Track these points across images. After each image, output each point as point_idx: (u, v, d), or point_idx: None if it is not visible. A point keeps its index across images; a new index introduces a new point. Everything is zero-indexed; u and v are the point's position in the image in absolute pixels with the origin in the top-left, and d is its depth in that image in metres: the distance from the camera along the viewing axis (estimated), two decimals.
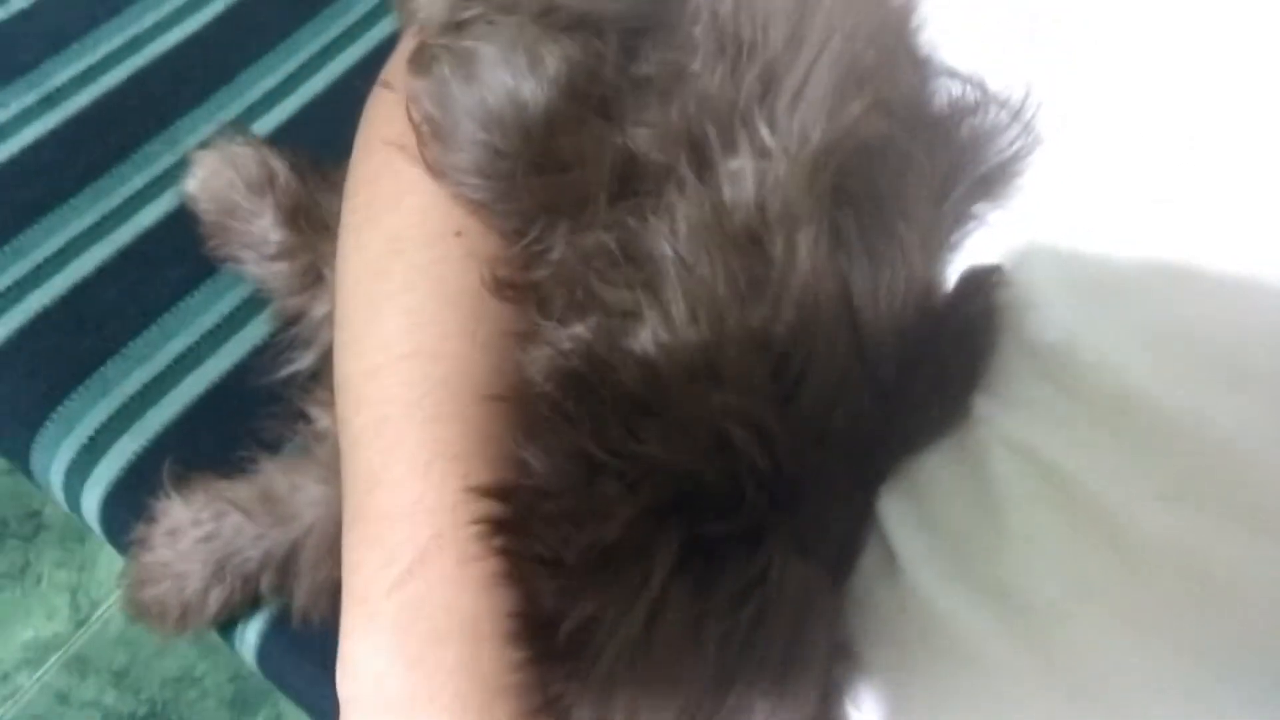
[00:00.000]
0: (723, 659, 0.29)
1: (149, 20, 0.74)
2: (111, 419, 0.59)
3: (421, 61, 0.41)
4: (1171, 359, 0.30)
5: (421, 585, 0.35)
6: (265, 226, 0.57)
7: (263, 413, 0.54)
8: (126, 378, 0.60)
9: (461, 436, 0.36)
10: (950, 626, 0.30)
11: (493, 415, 0.36)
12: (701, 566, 0.30)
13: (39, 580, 1.08)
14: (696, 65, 0.37)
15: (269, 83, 0.72)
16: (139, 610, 0.52)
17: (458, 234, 0.40)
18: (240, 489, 0.50)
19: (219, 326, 0.62)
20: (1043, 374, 0.32)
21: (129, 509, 0.55)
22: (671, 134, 0.36)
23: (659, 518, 0.30)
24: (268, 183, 0.58)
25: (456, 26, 0.41)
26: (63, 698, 1.02)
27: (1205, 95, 0.33)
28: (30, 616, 1.05)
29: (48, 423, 0.60)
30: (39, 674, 1.03)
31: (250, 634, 0.55)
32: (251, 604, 0.53)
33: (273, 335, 0.60)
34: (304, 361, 0.55)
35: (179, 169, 0.64)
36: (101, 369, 0.61)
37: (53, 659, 1.04)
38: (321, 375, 0.53)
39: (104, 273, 0.64)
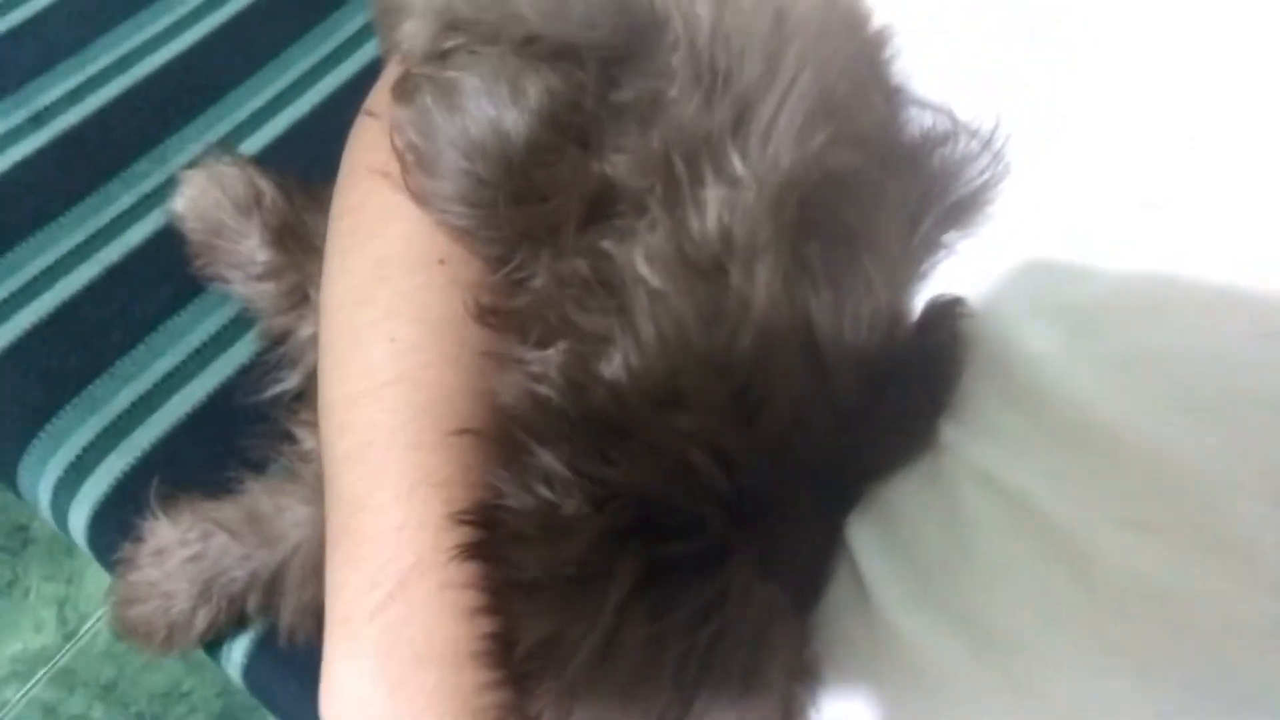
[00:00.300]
0: (682, 678, 0.30)
1: (137, 40, 0.75)
2: (99, 437, 0.60)
3: (405, 90, 0.41)
4: (1136, 387, 0.30)
5: (403, 609, 0.35)
6: (252, 246, 0.58)
7: (249, 432, 0.54)
8: (114, 396, 0.61)
9: (444, 463, 0.37)
10: (916, 653, 0.31)
11: (475, 442, 0.37)
12: (662, 587, 0.30)
13: (27, 593, 1.08)
14: (674, 93, 0.37)
15: (256, 102, 0.73)
16: (126, 629, 0.53)
17: (441, 261, 0.40)
18: (226, 509, 0.50)
19: (206, 345, 0.62)
20: (1010, 402, 0.32)
21: (116, 527, 0.55)
22: (648, 161, 0.36)
23: (621, 538, 0.31)
24: (255, 202, 0.58)
25: (440, 56, 0.41)
26: (50, 711, 1.01)
27: (1206, 95, 0.33)
28: (18, 630, 1.05)
29: (35, 440, 0.60)
30: (26, 687, 1.02)
31: (237, 653, 0.55)
32: (238, 623, 0.54)
33: (259, 355, 0.60)
34: (290, 381, 0.55)
35: (167, 188, 0.65)
36: (89, 387, 0.61)
37: (40, 672, 1.03)
38: (307, 396, 0.53)
39: (92, 291, 0.64)
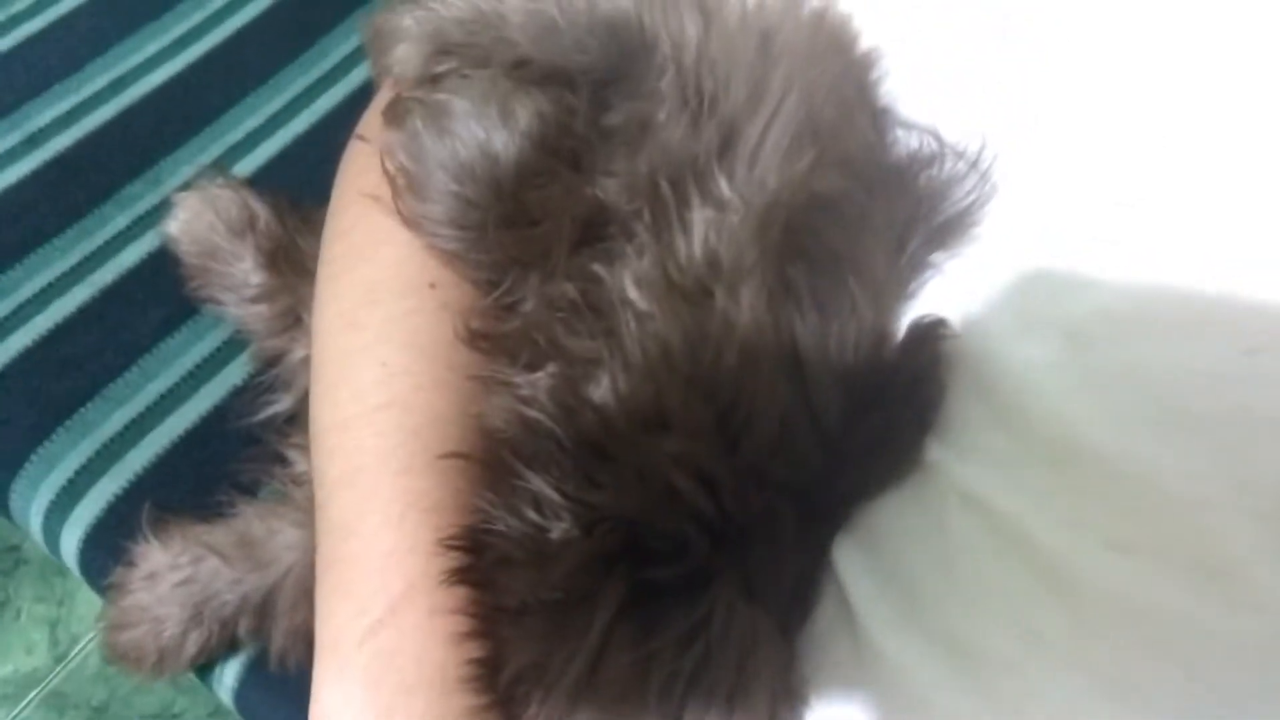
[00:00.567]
0: (667, 702, 0.30)
1: (131, 62, 0.75)
2: (91, 460, 0.59)
3: (396, 114, 0.41)
4: (1120, 406, 0.30)
5: (393, 635, 0.35)
6: (246, 269, 0.58)
7: (241, 455, 0.54)
8: (107, 419, 0.61)
9: (434, 488, 0.37)
10: (901, 674, 0.31)
11: (465, 466, 0.37)
12: (647, 611, 0.30)
13: (18, 615, 1.07)
14: (662, 116, 0.38)
15: (250, 124, 0.73)
16: (117, 654, 0.52)
17: (432, 285, 0.41)
18: (218, 534, 0.50)
19: (199, 368, 0.62)
20: (996, 422, 0.32)
21: (108, 551, 0.55)
22: (636, 185, 0.36)
23: (607, 562, 0.31)
24: (248, 225, 0.58)
25: (431, 80, 0.42)
26: None
27: (1179, 93, 0.33)
28: (9, 651, 1.05)
29: (28, 464, 0.60)
30: (17, 711, 1.02)
31: (228, 676, 0.55)
32: (229, 647, 0.53)
33: (252, 377, 0.60)
34: (283, 404, 0.55)
35: (161, 210, 0.65)
36: (82, 410, 0.61)
37: (31, 695, 1.03)
38: (299, 418, 0.53)
39: (85, 313, 0.64)
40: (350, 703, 0.35)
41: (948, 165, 0.37)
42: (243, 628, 0.51)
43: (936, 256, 0.36)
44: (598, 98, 0.39)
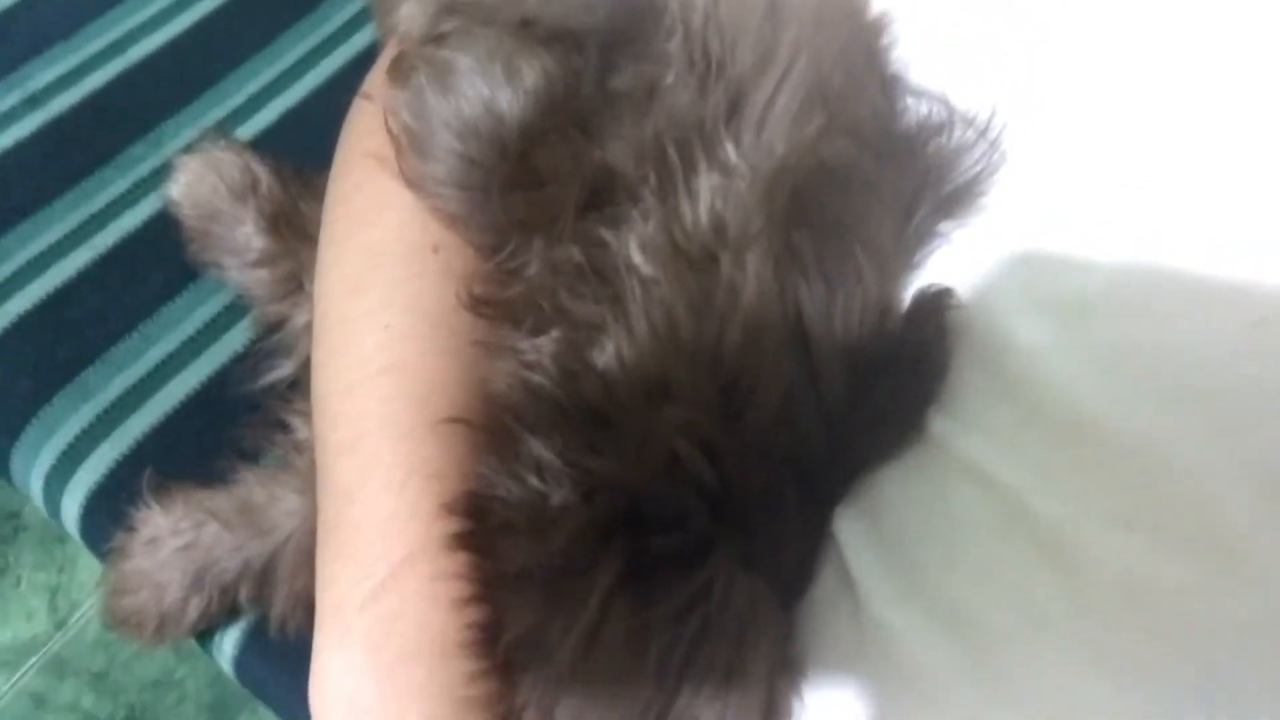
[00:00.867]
0: (665, 671, 0.29)
1: (133, 23, 0.74)
2: (92, 425, 0.59)
3: (400, 72, 0.41)
4: (1125, 380, 0.30)
5: (395, 600, 0.35)
6: (247, 233, 0.57)
7: (243, 421, 0.54)
8: (107, 384, 0.60)
9: (436, 454, 0.36)
10: (900, 647, 0.30)
11: (467, 432, 0.36)
12: (647, 580, 0.30)
13: (18, 582, 1.07)
14: (670, 80, 0.37)
15: (253, 87, 0.72)
16: (117, 619, 0.52)
17: (435, 249, 0.40)
18: (219, 499, 0.50)
19: (200, 333, 0.62)
20: (1002, 396, 0.32)
21: (109, 516, 0.55)
22: (643, 149, 0.36)
23: (607, 531, 0.31)
24: (250, 188, 0.58)
25: (437, 39, 0.41)
26: (40, 700, 1.01)
27: (1184, 74, 0.33)
28: (8, 618, 1.05)
29: (28, 428, 0.60)
30: (16, 677, 1.02)
31: (228, 643, 0.55)
32: (230, 613, 0.53)
33: (253, 343, 0.60)
34: (284, 370, 0.55)
35: (162, 173, 0.64)
36: (82, 375, 0.61)
37: (31, 661, 1.03)
38: (301, 384, 0.53)
39: (85, 278, 0.64)
40: (351, 667, 0.35)
41: (957, 133, 0.37)
42: (243, 594, 0.51)
43: (944, 226, 0.36)
44: (605, 59, 0.39)
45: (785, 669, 0.31)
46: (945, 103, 0.37)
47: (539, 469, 0.32)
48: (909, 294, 0.34)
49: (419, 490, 0.36)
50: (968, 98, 0.37)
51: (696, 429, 0.31)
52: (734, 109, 0.35)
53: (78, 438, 0.59)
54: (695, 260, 0.33)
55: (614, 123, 0.38)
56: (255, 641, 0.54)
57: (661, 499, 0.31)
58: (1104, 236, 0.32)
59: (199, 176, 0.59)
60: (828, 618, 0.33)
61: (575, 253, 0.34)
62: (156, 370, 0.61)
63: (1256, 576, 0.27)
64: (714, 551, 0.30)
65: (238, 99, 0.71)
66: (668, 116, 0.36)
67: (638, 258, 0.33)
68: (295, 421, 0.51)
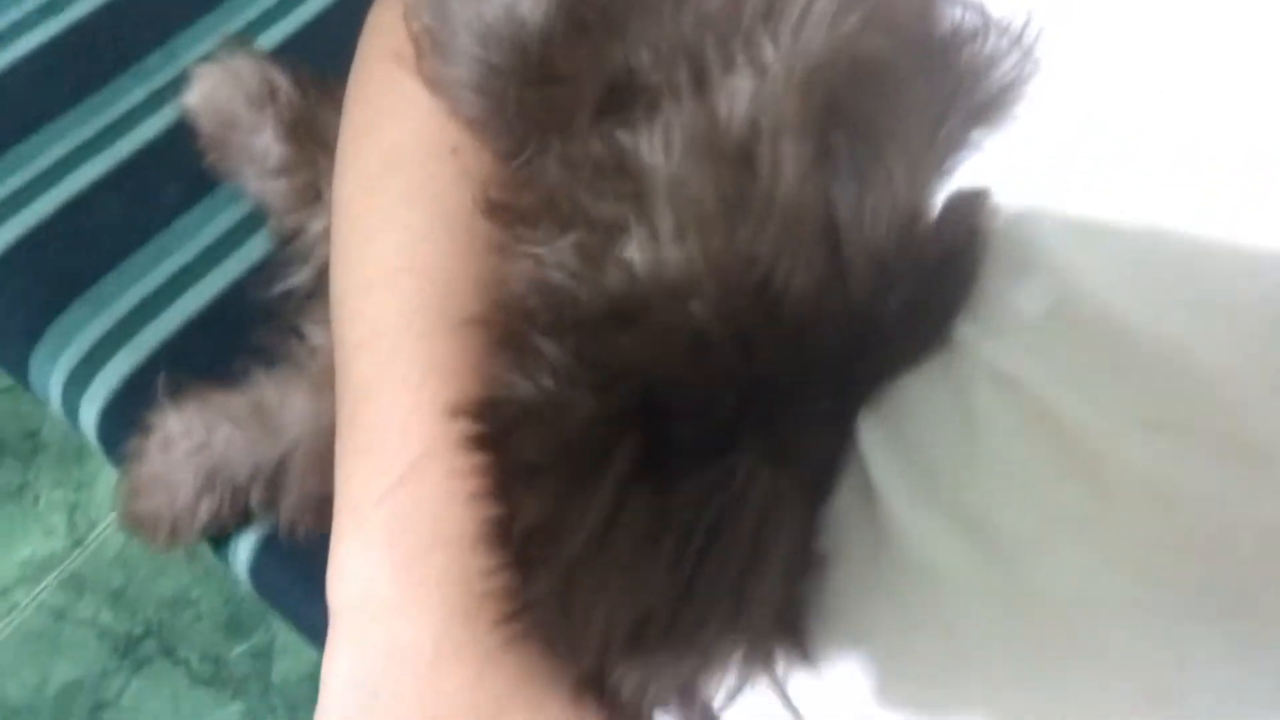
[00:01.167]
0: (679, 563, 0.29)
1: None
2: (109, 334, 0.60)
3: None
4: (1157, 287, 0.29)
5: (411, 495, 0.35)
6: (266, 141, 0.57)
7: (258, 330, 0.54)
8: (124, 293, 0.61)
9: (455, 353, 0.36)
10: (920, 551, 0.30)
11: (485, 333, 0.36)
12: (665, 469, 0.30)
13: (37, 500, 1.09)
14: None
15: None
16: (133, 523, 0.53)
17: (454, 150, 0.40)
18: (232, 399, 0.51)
19: (217, 244, 0.62)
20: (1028, 300, 0.31)
21: (126, 423, 0.56)
22: (672, 50, 0.35)
23: (622, 421, 0.30)
24: (269, 97, 0.57)
25: None
26: (59, 615, 1.03)
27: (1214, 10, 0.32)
28: (28, 535, 1.07)
29: (46, 335, 0.60)
30: (36, 592, 1.04)
31: (243, 550, 0.55)
32: (244, 521, 0.54)
33: (270, 254, 0.60)
34: (300, 278, 0.55)
35: (179, 84, 0.64)
36: (98, 284, 0.61)
37: (50, 577, 1.05)
38: (317, 292, 0.53)
39: (102, 187, 0.64)
40: (368, 560, 0.35)
41: (991, 41, 0.35)
42: (254, 498, 0.51)
43: (976, 133, 0.35)
44: None
45: (806, 565, 0.31)
46: (981, 9, 0.36)
47: (554, 370, 0.32)
48: (940, 199, 0.34)
49: (437, 387, 0.36)
50: (1003, 3, 0.36)
51: (730, 321, 0.30)
52: (771, 8, 0.34)
53: (95, 346, 0.59)
54: (729, 157, 0.32)
55: (641, 24, 0.37)
56: (270, 549, 0.55)
57: (685, 385, 0.30)
58: (1140, 145, 0.32)
59: (217, 84, 0.59)
60: (846, 522, 0.32)
61: (597, 147, 0.34)
62: (173, 280, 0.61)
63: None
64: (737, 442, 0.30)
65: (257, 9, 0.71)
66: (699, 17, 0.35)
67: (666, 155, 0.33)
68: (310, 328, 0.51)
